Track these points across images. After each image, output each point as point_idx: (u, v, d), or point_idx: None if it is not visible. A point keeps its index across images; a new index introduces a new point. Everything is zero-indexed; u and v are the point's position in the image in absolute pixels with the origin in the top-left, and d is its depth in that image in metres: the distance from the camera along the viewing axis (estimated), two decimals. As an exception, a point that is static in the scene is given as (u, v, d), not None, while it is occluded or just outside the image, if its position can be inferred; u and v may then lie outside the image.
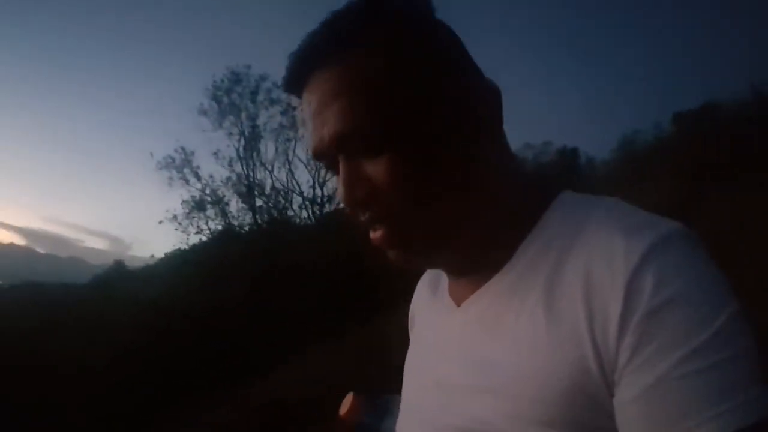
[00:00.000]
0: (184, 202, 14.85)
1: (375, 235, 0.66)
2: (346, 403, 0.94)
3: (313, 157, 0.69)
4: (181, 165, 15.04)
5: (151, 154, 15.35)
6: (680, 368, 0.49)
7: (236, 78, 15.23)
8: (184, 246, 15.22)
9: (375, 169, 0.63)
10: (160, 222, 14.86)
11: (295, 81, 0.67)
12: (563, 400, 0.55)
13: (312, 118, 0.65)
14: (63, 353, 11.36)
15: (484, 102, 0.67)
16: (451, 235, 0.67)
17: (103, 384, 10.46)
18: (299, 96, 0.68)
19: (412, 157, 0.63)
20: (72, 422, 9.62)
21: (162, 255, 17.14)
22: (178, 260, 15.19)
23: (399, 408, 0.85)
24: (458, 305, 0.74)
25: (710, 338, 0.49)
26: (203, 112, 15.14)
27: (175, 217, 14.72)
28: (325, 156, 0.67)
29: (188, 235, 14.86)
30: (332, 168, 0.68)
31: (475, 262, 0.70)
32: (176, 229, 14.82)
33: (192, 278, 13.23)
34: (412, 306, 0.96)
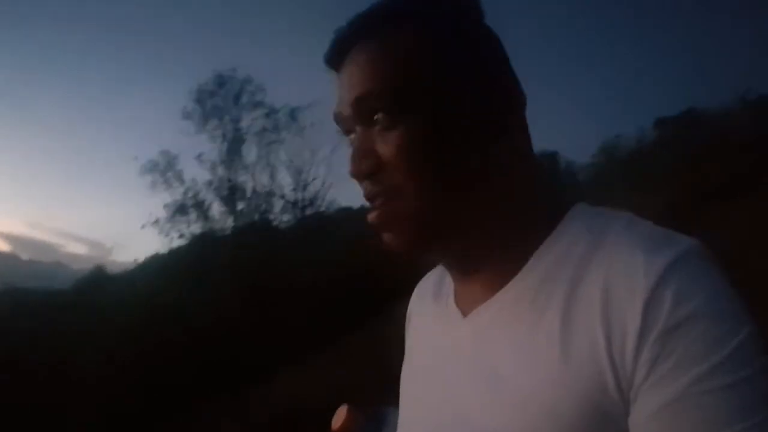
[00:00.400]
0: (166, 206, 14.68)
1: (371, 214, 0.66)
2: (340, 415, 0.90)
3: (334, 120, 0.71)
4: (164, 169, 14.86)
5: (135, 158, 15.10)
6: (698, 385, 0.49)
7: (221, 81, 15.11)
8: (165, 250, 15.07)
9: (387, 141, 0.64)
10: (143, 226, 14.70)
11: (336, 54, 0.68)
12: (578, 417, 0.55)
13: (342, 86, 0.67)
14: (47, 360, 11.22)
15: (509, 105, 0.67)
16: (448, 228, 0.66)
17: (86, 392, 10.32)
18: (338, 69, 0.69)
19: (425, 136, 0.63)
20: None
21: (144, 260, 16.96)
22: (158, 265, 15.06)
23: (395, 421, 0.83)
24: (465, 314, 0.73)
25: (728, 356, 0.49)
26: (187, 116, 14.97)
27: (157, 221, 14.55)
28: (343, 119, 0.68)
29: (170, 239, 14.70)
30: (348, 135, 0.70)
31: (482, 264, 0.69)
32: (159, 233, 14.69)
33: (172, 283, 13.12)
34: (410, 307, 0.94)
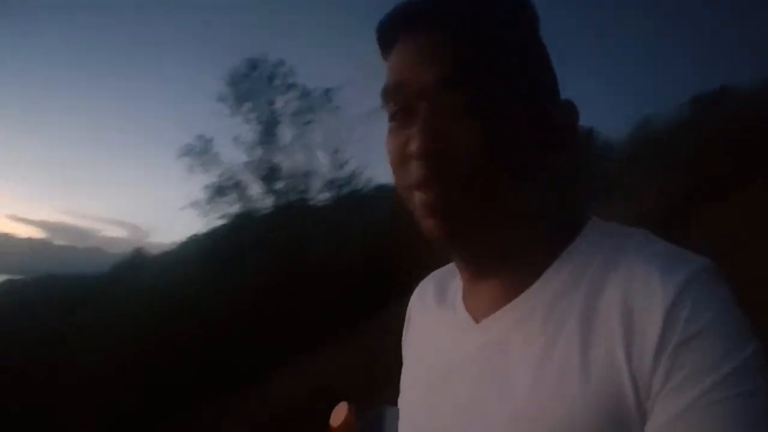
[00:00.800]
0: (205, 187, 14.82)
1: (423, 196, 0.65)
2: (339, 413, 0.91)
3: (391, 92, 0.67)
4: (200, 152, 14.96)
5: (171, 143, 15.28)
6: (707, 396, 0.51)
7: (253, 64, 15.14)
8: (203, 231, 15.29)
9: (466, 127, 0.62)
10: (181, 208, 14.91)
11: (408, 22, 0.67)
12: (595, 429, 0.56)
13: (411, 58, 0.65)
14: (83, 345, 11.47)
15: (564, 112, 0.70)
16: (497, 222, 0.66)
17: (122, 377, 10.48)
18: (405, 38, 0.67)
19: (499, 128, 0.63)
20: (90, 416, 9.63)
21: (183, 241, 17.21)
22: (196, 246, 15.23)
23: (395, 420, 0.83)
24: (477, 320, 0.72)
25: (736, 369, 0.52)
26: (221, 99, 15.13)
27: (195, 203, 14.67)
28: (405, 92, 0.65)
29: (208, 220, 14.91)
30: (399, 112, 0.67)
31: (502, 267, 0.69)
32: (198, 215, 14.87)
33: (210, 264, 13.26)
34: (410, 309, 0.93)
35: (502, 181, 0.64)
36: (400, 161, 0.67)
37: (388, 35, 0.69)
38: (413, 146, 0.63)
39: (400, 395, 0.85)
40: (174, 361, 10.82)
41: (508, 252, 0.68)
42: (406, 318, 0.92)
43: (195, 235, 15.78)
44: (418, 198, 0.65)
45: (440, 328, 0.79)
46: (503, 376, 0.65)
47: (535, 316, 0.65)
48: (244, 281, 12.28)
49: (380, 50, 0.71)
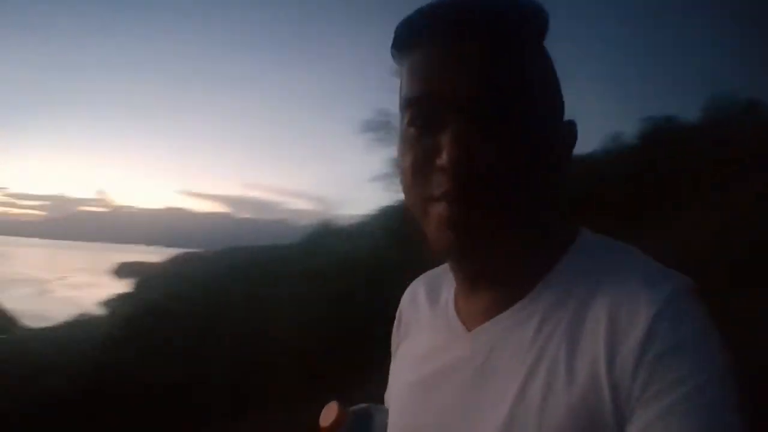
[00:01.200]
0: (387, 161, 14.90)
1: (447, 208, 0.65)
2: (329, 412, 0.88)
3: (419, 100, 0.67)
4: (382, 126, 15.08)
5: (354, 117, 15.64)
6: (679, 405, 0.55)
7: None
8: (390, 204, 15.24)
9: (489, 142, 0.63)
10: (368, 181, 15.20)
11: (436, 34, 0.66)
12: None
13: (443, 65, 0.65)
14: (269, 315, 11.81)
15: (568, 130, 0.73)
16: (511, 239, 0.68)
17: (309, 344, 10.64)
18: (423, 38, 0.67)
19: (525, 145, 0.64)
20: (281, 384, 9.83)
21: (371, 213, 17.38)
22: (384, 218, 15.15)
23: (384, 420, 0.85)
24: (468, 327, 0.75)
25: (704, 383, 0.55)
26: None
27: (381, 176, 14.88)
28: (436, 106, 0.65)
29: (394, 193, 14.86)
30: (420, 119, 0.67)
31: (498, 277, 0.72)
32: (383, 189, 15.02)
33: (397, 236, 13.15)
34: (400, 309, 0.95)
35: (522, 198, 0.66)
36: (419, 171, 0.67)
37: (412, 36, 0.69)
38: (443, 158, 0.63)
39: (389, 393, 0.90)
40: (362, 331, 10.45)
41: (508, 265, 0.71)
42: (397, 317, 0.95)
43: (383, 207, 15.78)
44: (439, 210, 0.66)
45: (431, 331, 0.82)
46: (492, 384, 0.68)
47: (524, 328, 0.68)
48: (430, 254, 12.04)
49: (396, 48, 0.72)
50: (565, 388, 0.61)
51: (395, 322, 0.96)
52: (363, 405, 0.94)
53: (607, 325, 0.61)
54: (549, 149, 0.67)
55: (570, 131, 0.73)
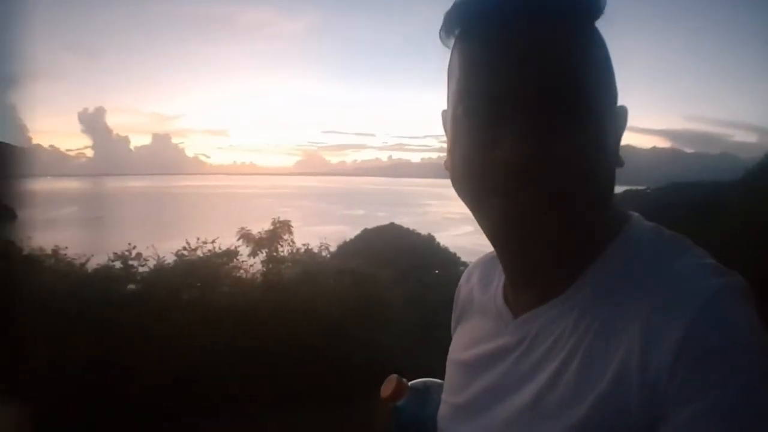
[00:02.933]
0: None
1: (510, 204, 0.65)
2: (389, 384, 0.95)
3: (481, 97, 0.65)
4: None
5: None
6: (713, 409, 0.54)
7: None
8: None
9: (557, 137, 0.63)
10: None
11: (501, 9, 0.64)
12: (605, 430, 0.60)
13: (511, 54, 0.63)
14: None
15: (622, 118, 0.73)
16: (569, 234, 0.68)
17: None
18: (479, 23, 0.66)
19: (591, 139, 0.64)
20: None
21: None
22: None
23: (440, 393, 0.91)
24: (515, 315, 0.79)
25: (742, 387, 0.54)
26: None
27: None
28: (504, 97, 0.63)
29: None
30: (483, 108, 0.66)
31: (547, 269, 0.73)
32: None
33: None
34: (459, 292, 0.99)
35: (587, 194, 0.66)
36: (480, 164, 0.66)
37: (471, 23, 0.66)
38: (512, 152, 0.62)
39: (446, 371, 0.93)
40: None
41: (560, 258, 0.71)
42: (455, 299, 1.00)
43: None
44: (502, 205, 0.65)
45: (482, 316, 0.88)
46: (528, 373, 0.71)
47: (564, 320, 0.70)
48: None
49: (448, 27, 0.70)
50: (594, 382, 0.62)
51: (455, 299, 1.00)
52: (422, 379, 1.01)
53: (643, 325, 0.61)
54: (612, 139, 0.68)
55: (623, 118, 0.72)
